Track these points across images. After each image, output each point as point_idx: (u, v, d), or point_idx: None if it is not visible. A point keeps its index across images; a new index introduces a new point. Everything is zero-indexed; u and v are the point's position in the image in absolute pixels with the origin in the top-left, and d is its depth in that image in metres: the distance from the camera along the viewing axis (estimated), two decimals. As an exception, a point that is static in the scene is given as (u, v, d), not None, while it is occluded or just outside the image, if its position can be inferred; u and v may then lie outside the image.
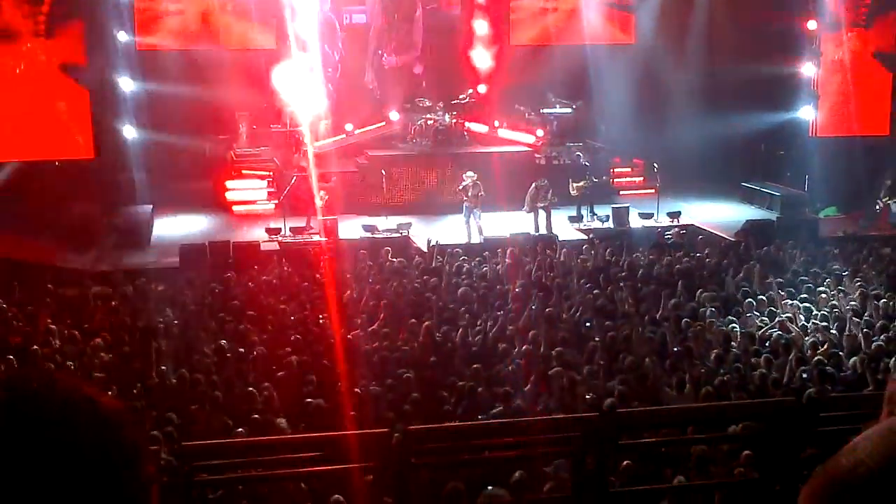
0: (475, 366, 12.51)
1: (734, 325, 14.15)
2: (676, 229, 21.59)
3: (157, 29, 26.01)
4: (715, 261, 18.05)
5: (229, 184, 25.09)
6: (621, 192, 25.15)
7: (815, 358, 12.34)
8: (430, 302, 15.43)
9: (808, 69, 25.17)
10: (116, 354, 12.96)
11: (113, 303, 15.52)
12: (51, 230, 20.44)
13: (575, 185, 23.12)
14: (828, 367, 12.01)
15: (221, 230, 22.31)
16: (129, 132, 24.01)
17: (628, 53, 27.84)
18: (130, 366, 12.55)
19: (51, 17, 22.21)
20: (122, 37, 24.37)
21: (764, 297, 15.32)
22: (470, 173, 22.04)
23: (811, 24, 24.79)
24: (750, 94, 25.27)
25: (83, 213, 21.30)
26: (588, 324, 14.52)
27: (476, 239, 21.01)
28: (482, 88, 27.62)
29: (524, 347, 13.14)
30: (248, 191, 25.19)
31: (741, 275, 16.87)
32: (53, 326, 14.02)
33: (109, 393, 10.56)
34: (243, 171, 25.50)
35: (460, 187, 21.99)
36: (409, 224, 21.93)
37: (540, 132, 26.62)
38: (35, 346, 13.02)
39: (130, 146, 23.93)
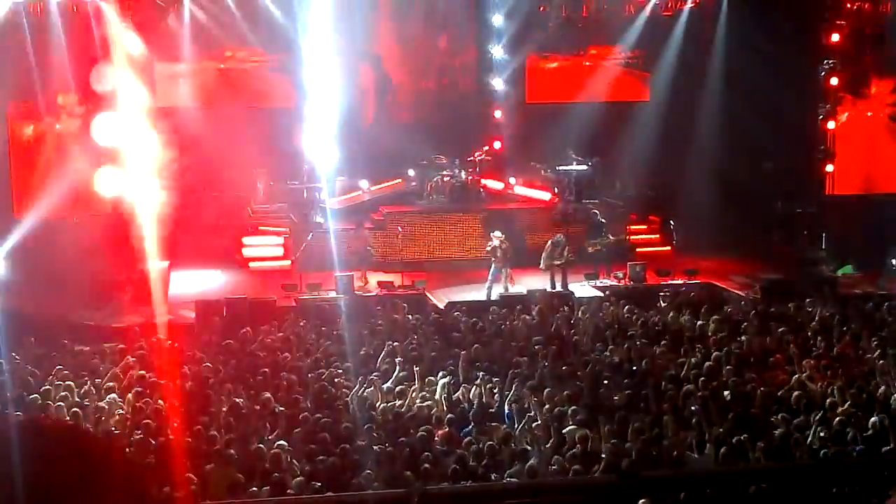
0: (492, 424, 12.42)
1: (754, 384, 13.98)
2: (684, 287, 21.43)
3: (176, 87, 26.27)
4: (733, 319, 17.92)
5: (246, 240, 25.18)
6: (638, 250, 25.06)
7: (836, 418, 12.19)
8: (446, 359, 15.35)
9: (826, 126, 25.14)
10: (131, 410, 12.91)
11: (128, 358, 15.47)
12: (68, 285, 20.47)
13: (591, 243, 23.11)
14: (849, 428, 11.87)
15: (238, 286, 22.32)
16: (149, 189, 24.07)
17: (644, 111, 27.96)
18: (146, 421, 12.48)
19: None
20: (134, 91, 24.44)
21: (783, 356, 15.18)
22: (497, 233, 22.01)
23: (833, 81, 24.83)
24: (766, 151, 25.29)
25: (100, 269, 21.35)
26: (605, 382, 14.41)
27: (494, 296, 20.96)
28: (497, 145, 27.74)
29: (541, 406, 13.03)
30: (264, 247, 25.25)
31: (760, 333, 16.75)
32: (70, 383, 14.00)
33: (126, 449, 10.53)
34: (260, 228, 25.60)
35: (488, 248, 21.94)
36: (426, 281, 21.90)
37: (556, 189, 26.66)
38: (49, 401, 13.02)
39: (148, 202, 24.02)
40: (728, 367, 14.63)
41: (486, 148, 27.85)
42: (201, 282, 23.12)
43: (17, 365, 15.16)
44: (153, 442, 11.61)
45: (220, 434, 11.93)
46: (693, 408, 12.74)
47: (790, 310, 18.55)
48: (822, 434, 11.82)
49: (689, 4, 28.07)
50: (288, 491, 10.28)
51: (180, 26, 26.28)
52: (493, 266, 21.52)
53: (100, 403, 13.22)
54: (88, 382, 14.21)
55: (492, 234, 22.27)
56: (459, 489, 10.31)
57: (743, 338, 16.58)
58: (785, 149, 25.48)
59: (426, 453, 11.19)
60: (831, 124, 25.12)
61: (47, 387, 13.98)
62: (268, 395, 13.50)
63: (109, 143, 21.93)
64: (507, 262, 21.56)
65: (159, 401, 13.19)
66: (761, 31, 24.73)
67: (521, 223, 24.99)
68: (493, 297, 20.97)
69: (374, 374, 14.73)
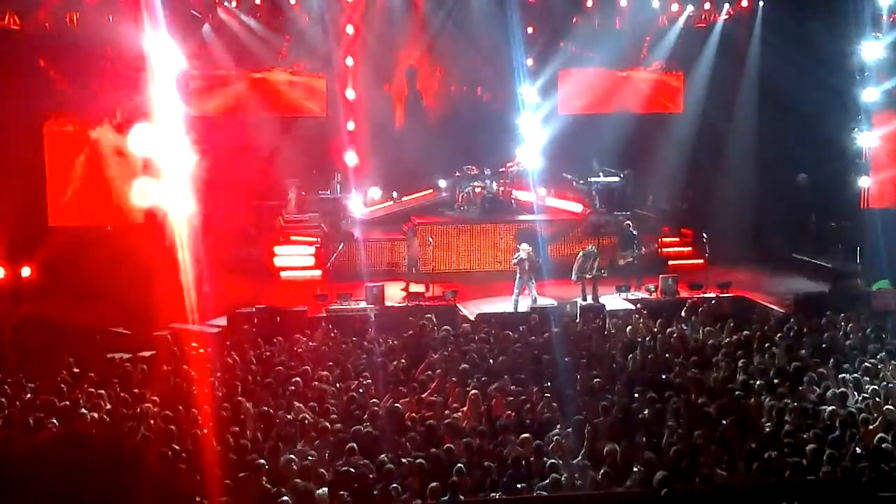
0: (523, 436, 12.36)
1: (786, 399, 13.84)
2: (716, 300, 21.26)
3: (210, 97, 26.45)
4: (766, 333, 17.77)
5: (277, 249, 25.27)
6: (670, 263, 24.92)
7: (871, 434, 12.04)
8: (477, 371, 15.32)
9: (862, 139, 24.89)
10: (164, 419, 12.97)
11: (163, 367, 15.54)
12: (101, 294, 20.61)
13: (622, 254, 23.06)
14: (884, 444, 11.73)
15: (269, 296, 22.37)
16: (183, 198, 24.20)
17: (677, 123, 27.86)
18: (178, 430, 12.53)
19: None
20: (179, 107, 24.62)
21: (816, 372, 15.02)
22: (525, 245, 21.96)
23: (869, 94, 24.60)
24: (801, 164, 25.11)
25: (133, 278, 21.49)
26: (636, 395, 14.32)
27: (524, 308, 20.89)
28: (529, 156, 27.71)
29: (571, 418, 12.97)
30: (295, 257, 25.33)
31: (793, 347, 16.60)
32: (102, 391, 14.09)
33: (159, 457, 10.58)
34: (291, 237, 25.69)
35: (515, 260, 21.89)
36: (456, 291, 21.88)
37: (587, 201, 26.60)
38: (83, 410, 13.10)
39: (182, 212, 24.16)
40: (760, 382, 14.49)
41: (518, 159, 27.83)
42: (233, 291, 23.19)
43: (50, 373, 15.26)
44: (184, 450, 11.65)
45: (250, 443, 11.95)
46: (724, 422, 12.62)
47: (824, 324, 18.36)
48: (857, 451, 11.67)
49: (723, 16, 27.99)
50: (317, 501, 10.28)
51: (215, 37, 26.51)
52: (518, 278, 21.46)
53: (132, 412, 13.30)
54: (121, 390, 14.29)
55: (519, 245, 22.23)
56: (492, 501, 10.29)
57: (776, 352, 16.43)
58: (820, 162, 25.28)
59: (456, 465, 11.15)
60: (866, 138, 24.86)
61: (80, 395, 14.06)
62: (298, 404, 13.52)
63: (145, 153, 22.09)
64: (533, 275, 21.49)
65: (191, 409, 13.24)
66: (796, 42, 24.56)
67: (551, 235, 24.93)
68: (521, 308, 20.90)
69: (404, 385, 14.72)
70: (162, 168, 23.63)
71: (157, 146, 23.41)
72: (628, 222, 24.02)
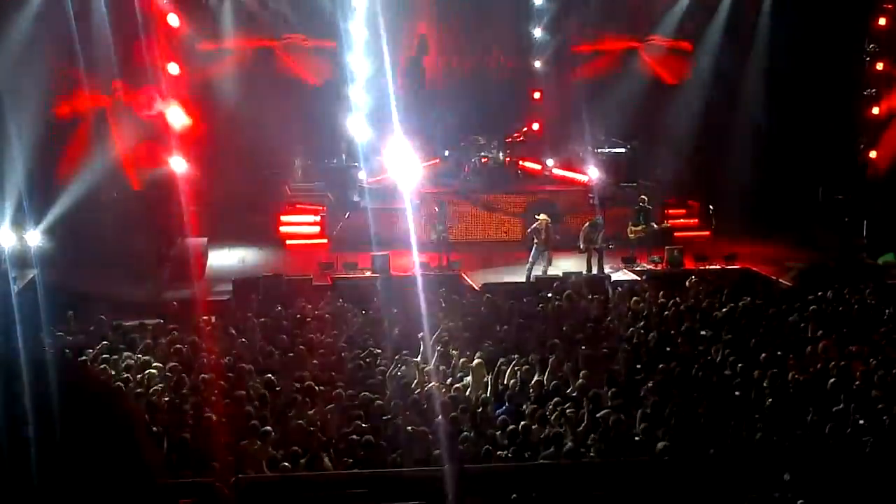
0: (526, 405, 12.42)
1: (790, 371, 13.87)
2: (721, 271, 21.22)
3: (216, 65, 26.34)
4: (770, 305, 17.77)
5: (283, 218, 25.27)
6: (676, 234, 24.87)
7: (874, 405, 12.08)
8: (481, 340, 15.36)
9: (870, 112, 24.78)
10: (169, 384, 13.04)
11: (172, 333, 15.59)
12: (107, 261, 20.65)
13: (633, 228, 22.92)
14: (885, 417, 11.77)
15: (275, 263, 22.42)
16: (183, 165, 24.22)
17: (684, 94, 27.70)
18: (184, 396, 12.60)
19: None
20: (175, 69, 24.45)
21: (821, 344, 15.04)
22: (542, 215, 21.85)
23: (879, 66, 24.46)
24: (808, 136, 25.01)
25: (139, 244, 21.55)
26: (639, 366, 14.36)
27: (533, 278, 20.88)
28: (536, 126, 27.63)
29: (576, 387, 13.03)
30: (301, 225, 25.33)
31: (798, 319, 16.61)
32: (107, 355, 14.16)
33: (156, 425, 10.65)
34: (297, 206, 25.68)
35: (530, 229, 21.84)
36: (461, 261, 21.88)
37: (594, 171, 26.52)
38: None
39: (187, 179, 24.18)
40: (765, 354, 14.52)
41: (525, 129, 27.74)
42: (239, 258, 23.24)
43: (57, 339, 15.33)
44: (191, 416, 11.73)
45: (256, 410, 12.02)
46: (733, 394, 12.66)
47: (830, 296, 18.36)
48: (860, 422, 11.71)
49: (732, -12, 27.78)
50: (322, 467, 10.35)
51: (220, 4, 26.40)
52: (534, 248, 21.40)
53: (139, 377, 13.37)
54: (127, 357, 14.35)
55: (536, 215, 22.11)
56: (496, 468, 10.35)
57: (779, 324, 16.44)
58: (828, 134, 25.18)
59: (460, 433, 11.22)
60: (875, 110, 24.75)
61: (86, 360, 14.12)
62: (304, 372, 13.58)
63: (152, 119, 22.10)
64: (548, 245, 21.43)
65: (198, 375, 13.30)
66: (806, 13, 24.41)
67: (558, 205, 24.88)
68: (537, 275, 20.90)
69: (408, 353, 14.77)
70: (168, 136, 23.66)
71: (164, 113, 23.43)
72: (644, 196, 23.82)
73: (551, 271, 21.11)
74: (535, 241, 21.42)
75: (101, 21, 22.36)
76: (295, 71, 27.45)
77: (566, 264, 21.59)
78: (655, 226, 23.21)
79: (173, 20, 24.29)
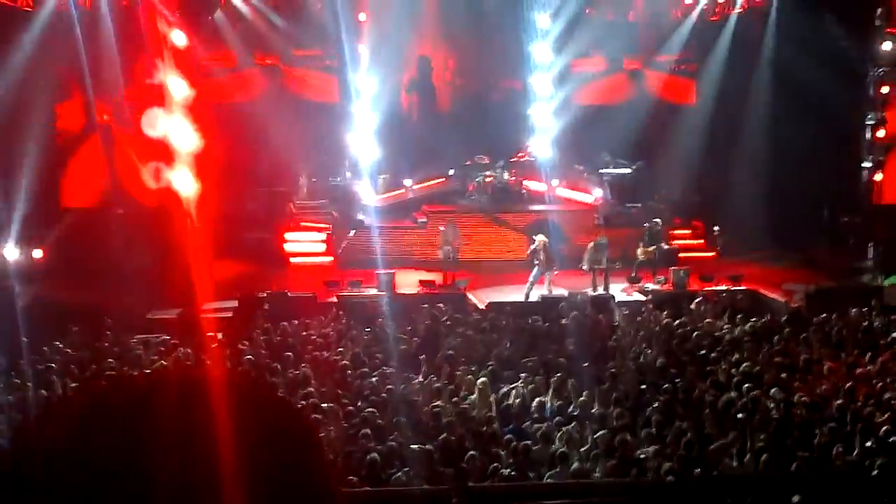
0: (531, 424, 12.37)
1: (796, 392, 13.82)
2: (726, 293, 21.18)
3: (221, 82, 26.41)
4: (776, 326, 17.74)
5: (288, 235, 25.27)
6: (681, 255, 24.84)
7: (882, 428, 12.03)
8: (488, 359, 15.34)
9: (876, 134, 24.77)
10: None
11: (177, 350, 15.57)
12: (112, 276, 20.64)
13: (645, 249, 22.80)
14: (892, 438, 11.71)
15: (280, 281, 22.38)
16: (193, 182, 24.21)
17: (689, 115, 27.78)
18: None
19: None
20: (180, 86, 24.49)
21: (826, 365, 15.00)
22: (540, 236, 21.84)
23: (884, 90, 24.49)
24: (814, 158, 25.00)
25: (144, 260, 21.53)
26: (645, 386, 14.31)
27: (534, 298, 20.85)
28: (541, 147, 27.66)
29: (581, 407, 12.98)
30: (306, 243, 25.34)
31: (803, 341, 16.57)
32: (112, 372, 14.12)
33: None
34: (302, 224, 25.69)
35: (529, 251, 21.83)
36: (468, 280, 21.86)
37: (598, 192, 26.54)
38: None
39: (192, 196, 24.17)
40: (769, 375, 14.47)
41: (529, 149, 27.78)
42: (244, 276, 23.21)
43: (61, 353, 15.32)
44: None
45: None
46: (739, 416, 12.60)
47: (835, 319, 18.31)
48: (866, 444, 11.66)
49: (737, 9, 27.88)
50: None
51: (227, 23, 26.50)
52: (535, 268, 21.39)
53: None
54: (129, 372, 14.33)
55: (534, 237, 22.13)
56: (501, 487, 10.29)
57: (785, 346, 16.41)
58: (833, 156, 25.17)
59: (466, 452, 11.17)
60: (881, 132, 24.76)
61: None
62: (309, 389, 13.54)
63: (157, 135, 22.10)
64: (549, 266, 21.42)
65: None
66: (811, 37, 24.44)
67: (562, 225, 24.87)
68: (533, 298, 20.87)
69: (414, 372, 14.74)
70: (173, 152, 23.67)
71: (169, 130, 23.44)
72: (657, 220, 23.73)
73: (557, 291, 21.06)
74: (536, 262, 21.39)
75: (107, 38, 22.43)
76: (300, 89, 27.54)
77: (571, 284, 21.56)
78: (665, 246, 23.13)
79: (179, 38, 24.34)
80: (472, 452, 11.18)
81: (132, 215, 23.02)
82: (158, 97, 23.23)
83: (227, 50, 26.66)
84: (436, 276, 22.17)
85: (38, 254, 20.27)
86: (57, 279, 20.16)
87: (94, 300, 19.30)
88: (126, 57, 22.79)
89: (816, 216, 26.18)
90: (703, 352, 15.98)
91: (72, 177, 22.97)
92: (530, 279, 21.25)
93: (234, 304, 19.85)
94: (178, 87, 24.07)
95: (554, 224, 24.24)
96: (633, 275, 22.55)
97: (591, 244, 22.12)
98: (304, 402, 12.94)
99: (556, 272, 21.44)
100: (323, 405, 12.93)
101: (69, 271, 20.46)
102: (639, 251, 22.82)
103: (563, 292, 20.71)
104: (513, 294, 21.38)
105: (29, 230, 20.25)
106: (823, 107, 24.43)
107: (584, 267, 21.79)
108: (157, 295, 20.93)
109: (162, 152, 23.28)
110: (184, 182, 23.43)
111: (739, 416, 12.63)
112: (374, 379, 14.26)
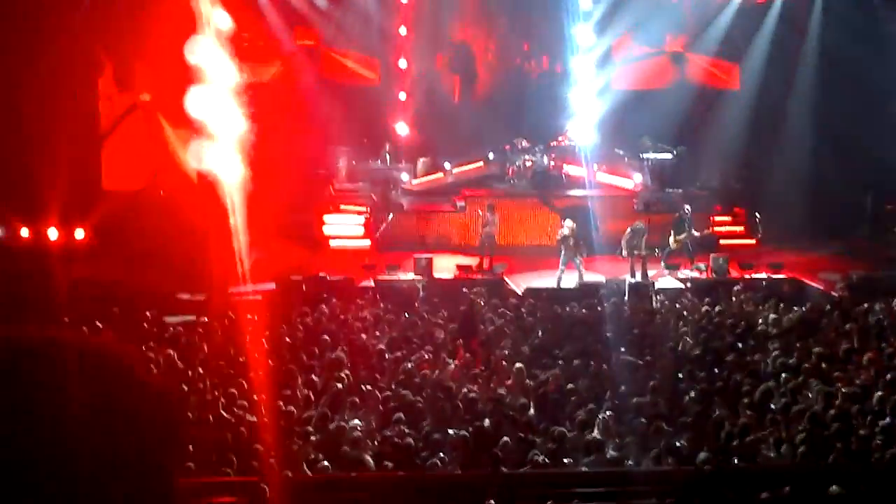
0: (567, 411, 12.35)
1: (836, 383, 13.68)
2: (767, 281, 20.97)
3: (262, 63, 26.43)
4: (817, 315, 17.55)
5: (327, 218, 25.30)
6: (721, 242, 24.63)
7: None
8: (524, 345, 15.31)
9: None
10: (214, 384, 13.10)
11: (217, 333, 15.68)
12: (153, 257, 20.79)
13: (676, 238, 22.62)
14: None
15: (318, 264, 22.45)
16: (235, 164, 24.30)
17: (732, 100, 27.48)
18: (230, 395, 12.65)
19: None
20: (224, 70, 24.52)
21: (868, 355, 14.82)
22: (568, 222, 21.74)
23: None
24: (858, 144, 24.68)
25: (185, 242, 21.66)
26: (681, 374, 14.24)
27: (570, 284, 20.77)
28: (582, 131, 27.48)
29: (618, 394, 12.94)
30: (344, 226, 25.36)
31: (844, 331, 16.39)
32: (152, 355, 14.25)
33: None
34: (341, 207, 25.71)
35: (559, 237, 21.73)
36: (504, 265, 21.82)
37: (639, 177, 26.35)
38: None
39: (233, 177, 24.26)
40: (810, 365, 14.33)
41: (569, 133, 27.63)
42: (283, 258, 23.29)
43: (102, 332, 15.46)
44: (235, 416, 11.77)
45: (299, 410, 12.05)
46: (777, 406, 12.50)
47: (876, 308, 18.09)
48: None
49: (783, -8, 27.52)
50: (364, 469, 10.35)
51: (269, 3, 26.51)
52: (563, 255, 21.27)
53: (184, 376, 13.45)
54: (173, 354, 14.44)
55: (563, 222, 22.02)
56: (537, 474, 10.29)
57: (826, 335, 16.24)
58: (878, 143, 24.81)
59: (500, 438, 11.17)
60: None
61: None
62: (345, 373, 13.60)
63: (200, 116, 22.20)
64: (577, 251, 21.27)
65: (242, 375, 13.36)
66: (858, 20, 24.11)
67: (598, 210, 24.73)
68: (565, 285, 20.76)
69: (450, 357, 14.75)
70: (214, 133, 23.77)
71: (210, 111, 23.54)
72: (687, 206, 23.54)
73: (595, 277, 20.95)
74: (564, 248, 21.26)
75: (148, 17, 22.51)
76: (341, 71, 27.54)
77: (609, 270, 21.47)
78: (697, 233, 22.85)
79: (221, 17, 24.41)
80: (506, 439, 11.18)
81: (173, 197, 23.15)
82: (200, 78, 23.34)
83: (268, 31, 26.67)
84: (473, 261, 22.13)
85: (79, 234, 20.45)
86: (99, 260, 20.35)
87: (134, 281, 19.48)
88: (168, 37, 22.88)
89: (860, 204, 25.84)
90: (742, 340, 15.85)
91: (114, 158, 23.14)
92: (560, 265, 21.14)
93: (271, 286, 19.92)
94: (219, 67, 24.18)
95: (588, 209, 24.11)
96: (664, 263, 22.38)
97: (629, 229, 21.98)
98: (339, 385, 13.01)
99: (583, 258, 21.29)
100: (359, 388, 12.99)
101: (111, 253, 20.63)
102: (670, 240, 22.63)
103: (601, 279, 20.62)
104: (550, 280, 21.31)
105: (71, 211, 20.43)
106: (869, 92, 24.10)
107: (623, 253, 21.66)
108: (199, 277, 21.07)
109: (202, 133, 23.41)
110: (224, 164, 23.56)
111: (777, 406, 12.53)
112: (410, 364, 14.29)
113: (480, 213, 23.23)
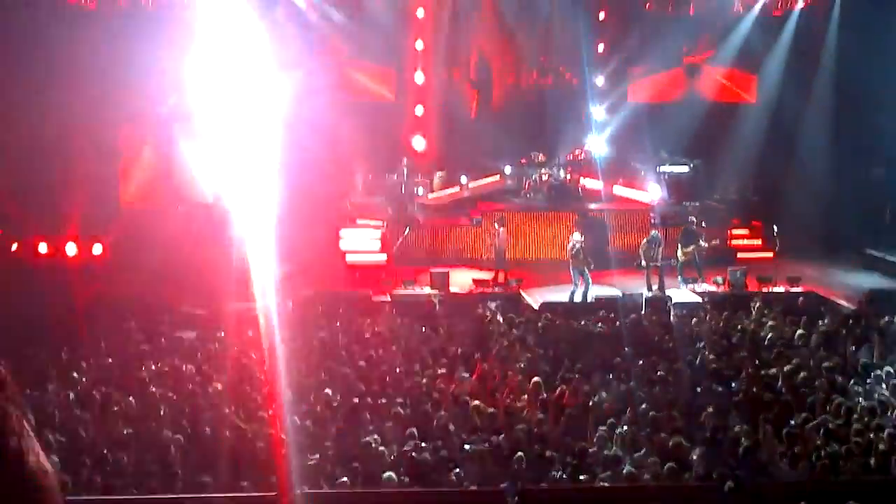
0: (584, 425, 12.31)
1: (855, 397, 13.60)
2: (785, 294, 20.88)
3: (279, 79, 26.51)
4: (836, 330, 17.45)
5: (343, 232, 25.31)
6: (739, 255, 24.54)
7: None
8: (540, 360, 15.29)
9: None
10: (230, 397, 13.13)
11: (233, 347, 15.72)
12: (169, 273, 20.87)
13: (684, 250, 22.52)
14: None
15: (334, 279, 22.47)
16: (251, 179, 24.38)
17: (749, 113, 27.43)
18: (248, 410, 12.68)
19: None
20: (250, 88, 24.70)
21: (886, 370, 14.73)
22: (575, 235, 21.70)
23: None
24: (875, 157, 24.60)
25: (201, 257, 21.74)
26: (699, 389, 14.18)
27: (580, 298, 20.72)
28: (598, 145, 27.47)
29: (635, 409, 12.89)
30: (361, 240, 25.36)
31: (863, 346, 16.29)
32: (167, 368, 14.31)
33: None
34: (357, 221, 25.72)
35: (568, 250, 21.65)
36: (521, 279, 21.80)
37: (655, 190, 26.30)
38: (152, 388, 13.31)
39: (249, 193, 24.33)
40: (828, 379, 14.25)
41: (586, 147, 27.61)
42: (298, 273, 23.32)
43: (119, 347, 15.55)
44: (250, 430, 11.79)
45: (315, 425, 12.06)
46: (794, 420, 12.44)
47: (895, 322, 17.97)
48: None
49: (800, 4, 27.49)
50: (380, 484, 10.34)
51: (285, 18, 26.61)
52: (572, 269, 21.20)
53: (200, 390, 13.49)
54: (188, 369, 14.49)
55: (571, 237, 21.95)
56: (555, 489, 10.25)
57: (845, 349, 16.15)
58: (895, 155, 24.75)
59: (517, 453, 11.14)
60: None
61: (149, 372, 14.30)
62: (362, 387, 13.60)
63: (217, 133, 22.32)
64: (585, 264, 21.14)
65: (257, 390, 13.39)
66: (875, 32, 24.04)
67: (612, 224, 24.71)
68: (578, 299, 20.72)
69: (467, 371, 14.74)
70: (232, 149, 23.86)
71: (227, 127, 23.64)
72: (692, 218, 23.47)
73: (612, 291, 20.89)
74: (573, 262, 21.20)
75: (170, 35, 22.68)
76: (357, 85, 27.59)
77: (625, 283, 21.42)
78: (704, 244, 22.71)
79: (239, 34, 24.53)
80: (524, 453, 11.15)
81: (190, 213, 23.26)
82: (216, 94, 23.45)
83: (285, 45, 26.76)
84: (489, 275, 22.12)
85: (97, 249, 20.56)
86: (116, 275, 20.43)
87: (153, 296, 19.54)
88: (188, 52, 23.04)
89: (878, 216, 25.72)
90: (760, 354, 15.78)
91: (132, 174, 23.27)
92: (573, 280, 21.07)
93: (290, 302, 19.93)
94: (237, 82, 24.29)
95: (600, 222, 24.07)
96: (680, 277, 22.29)
97: (645, 240, 21.95)
98: (356, 400, 13.01)
99: (590, 270, 21.17)
100: (376, 403, 12.98)
101: (128, 268, 20.71)
102: (678, 252, 22.53)
103: (618, 292, 20.57)
104: (567, 294, 21.27)
105: (89, 226, 20.54)
106: (887, 104, 24.01)
107: (643, 264, 21.60)
108: (214, 292, 21.12)
109: (221, 149, 23.51)
110: (242, 179, 23.64)
111: (796, 420, 12.47)
112: (426, 378, 14.28)
113: (497, 226, 23.22)
